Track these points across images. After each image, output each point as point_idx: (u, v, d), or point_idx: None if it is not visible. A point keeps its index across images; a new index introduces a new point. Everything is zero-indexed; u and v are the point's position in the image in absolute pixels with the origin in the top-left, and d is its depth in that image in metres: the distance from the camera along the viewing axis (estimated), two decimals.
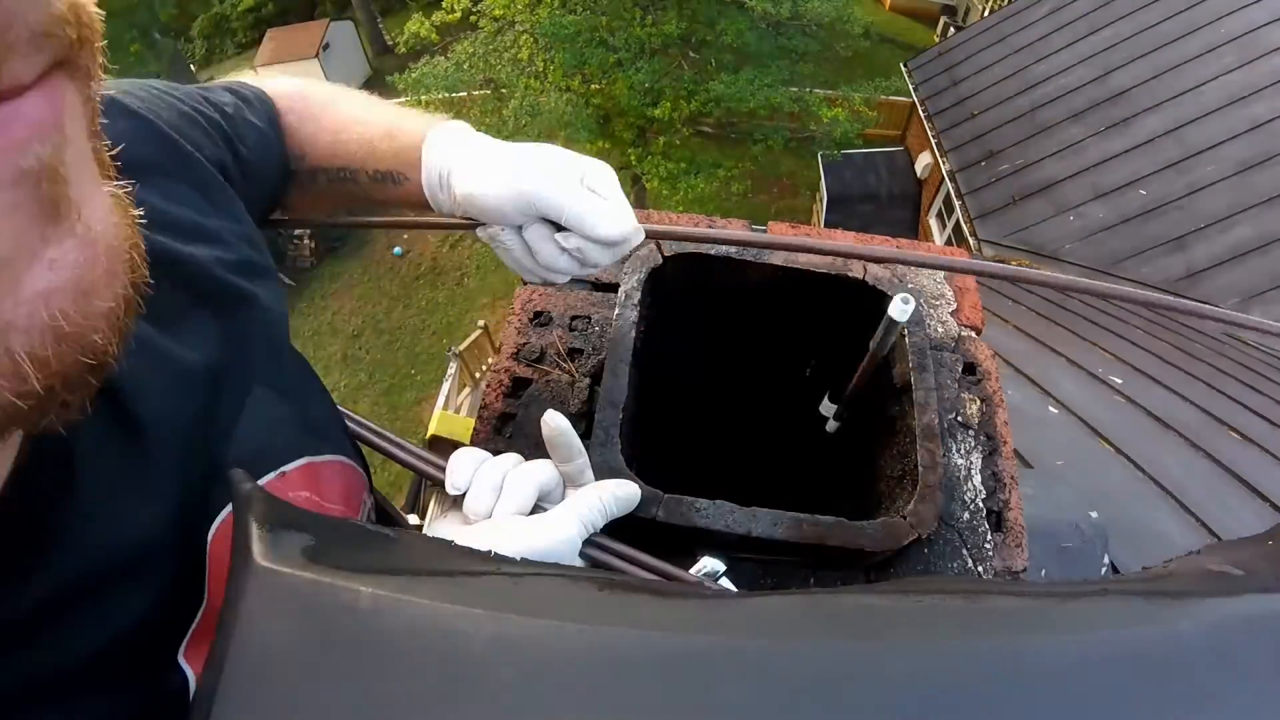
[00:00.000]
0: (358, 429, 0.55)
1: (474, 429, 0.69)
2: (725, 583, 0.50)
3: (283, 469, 0.42)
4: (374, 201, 0.63)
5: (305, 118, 0.62)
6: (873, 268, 0.70)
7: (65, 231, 0.18)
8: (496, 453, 0.53)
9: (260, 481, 0.39)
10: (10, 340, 0.17)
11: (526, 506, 0.49)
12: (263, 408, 0.42)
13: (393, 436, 0.55)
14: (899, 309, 0.56)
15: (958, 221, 5.44)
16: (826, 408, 0.59)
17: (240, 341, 0.41)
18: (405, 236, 9.14)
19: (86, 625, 0.28)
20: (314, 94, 0.64)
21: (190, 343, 0.37)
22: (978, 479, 0.65)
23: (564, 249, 0.52)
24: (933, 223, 6.75)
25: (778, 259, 0.71)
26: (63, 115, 0.18)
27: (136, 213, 0.22)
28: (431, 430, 5.46)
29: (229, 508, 0.36)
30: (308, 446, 0.45)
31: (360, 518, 0.50)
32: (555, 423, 0.50)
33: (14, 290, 0.17)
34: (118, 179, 0.21)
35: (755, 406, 0.93)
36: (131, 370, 0.29)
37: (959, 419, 0.69)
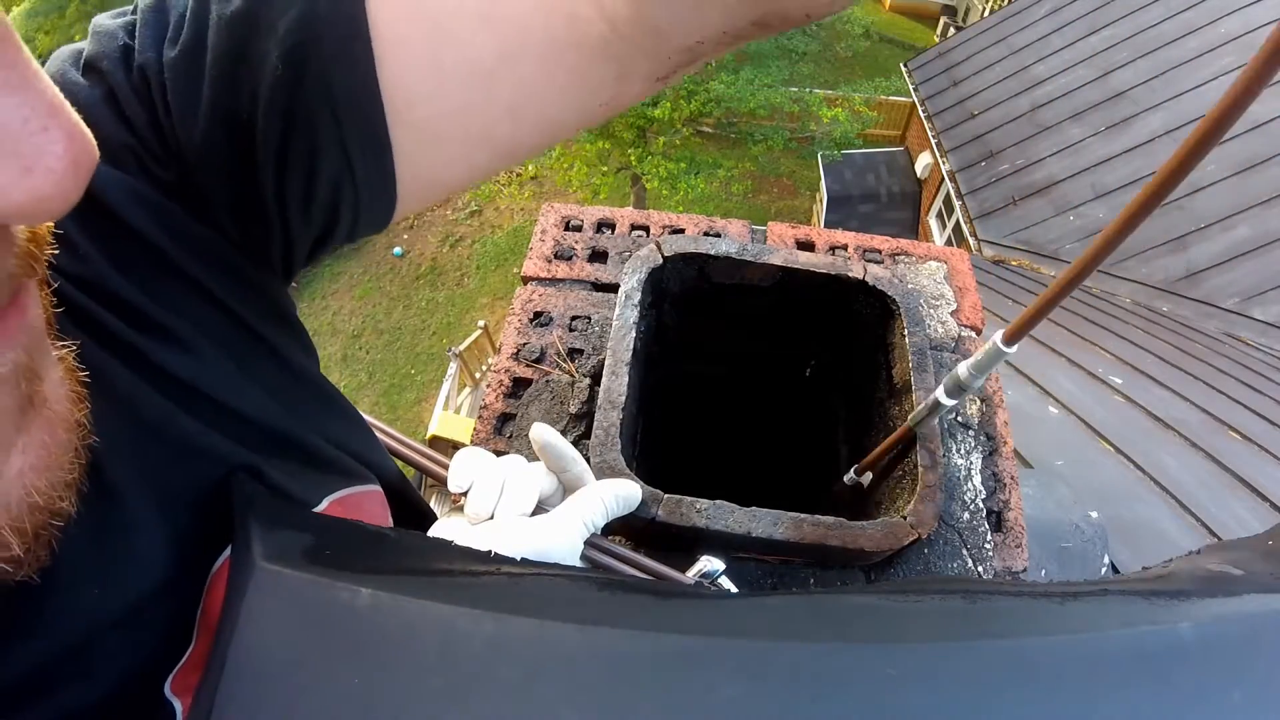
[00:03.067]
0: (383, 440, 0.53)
1: (474, 429, 0.69)
2: (725, 582, 0.50)
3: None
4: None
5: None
6: (873, 267, 0.70)
7: (34, 417, 0.21)
8: (498, 453, 0.53)
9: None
10: None
11: (528, 508, 0.49)
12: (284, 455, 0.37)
13: (397, 434, 0.55)
14: (944, 398, 0.53)
15: (958, 221, 5.44)
16: (850, 478, 0.60)
17: None
18: (405, 236, 9.15)
19: (72, 689, 0.27)
20: None
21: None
22: (978, 479, 0.65)
23: None
24: (933, 223, 6.75)
25: (777, 259, 0.71)
26: (33, 319, 0.20)
27: (81, 372, 0.23)
28: (432, 430, 5.46)
29: (227, 551, 0.33)
30: (332, 485, 0.41)
31: None
32: (542, 437, 0.50)
33: None
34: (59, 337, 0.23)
35: (755, 406, 0.93)
36: (103, 433, 0.27)
37: (959, 419, 0.69)
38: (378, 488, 0.47)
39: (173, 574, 0.31)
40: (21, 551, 0.21)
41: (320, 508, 0.39)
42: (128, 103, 0.31)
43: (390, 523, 0.48)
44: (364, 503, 0.45)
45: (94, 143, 0.17)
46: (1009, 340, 0.43)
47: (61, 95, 0.17)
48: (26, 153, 0.16)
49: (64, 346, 0.23)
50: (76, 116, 0.17)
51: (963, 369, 0.48)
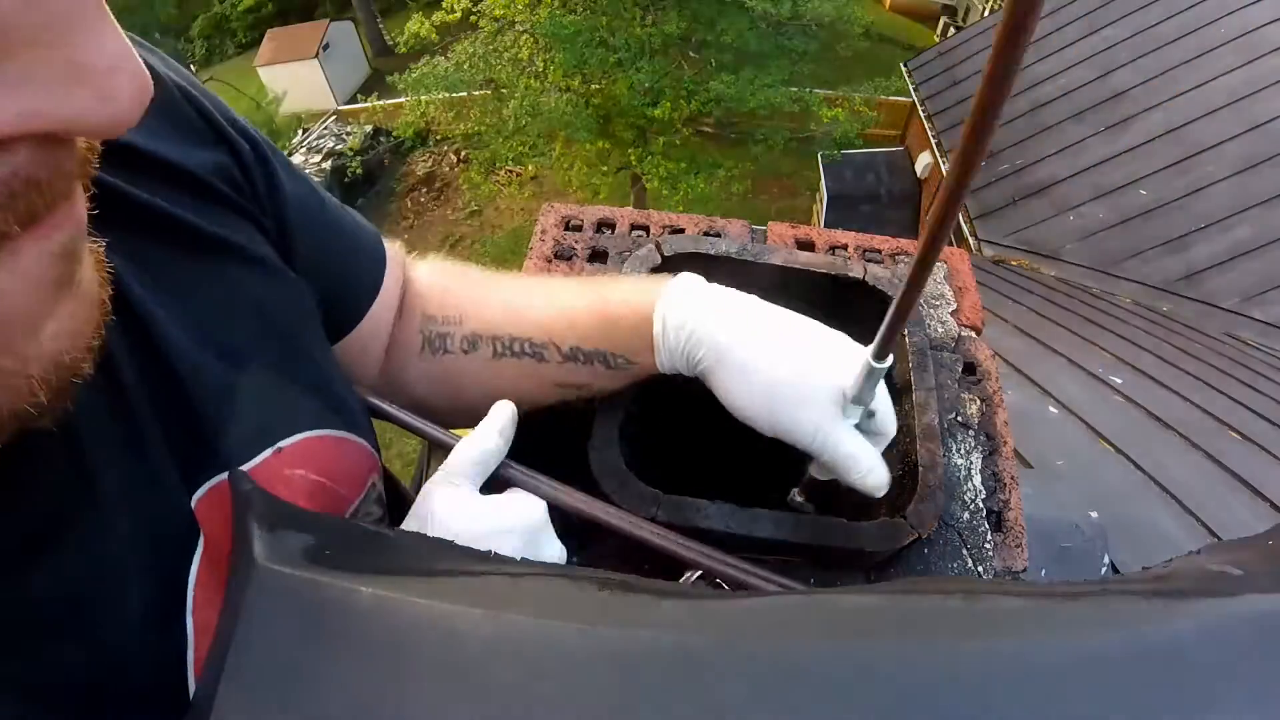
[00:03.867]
0: (370, 402, 0.53)
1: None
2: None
3: (279, 444, 0.41)
4: (553, 386, 0.54)
5: (465, 281, 0.56)
6: (873, 267, 0.70)
7: (70, 292, 0.25)
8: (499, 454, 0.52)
9: (260, 456, 0.39)
10: (29, 368, 0.24)
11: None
12: (256, 380, 0.40)
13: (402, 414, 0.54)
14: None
15: (958, 221, 5.44)
16: (795, 500, 0.58)
17: (228, 308, 0.40)
18: (406, 236, 9.14)
19: (87, 530, 0.31)
20: (467, 267, 0.58)
21: (175, 304, 0.37)
22: (978, 479, 0.65)
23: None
24: None
25: (777, 259, 0.71)
26: (80, 213, 0.25)
27: (108, 264, 0.29)
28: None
29: (221, 476, 0.37)
30: (305, 421, 0.43)
31: (363, 496, 0.48)
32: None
33: (36, 336, 0.24)
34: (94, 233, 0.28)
35: None
36: (118, 337, 0.33)
37: (959, 419, 0.69)
38: (357, 438, 0.48)
39: (162, 483, 0.35)
40: (46, 400, 0.25)
41: (290, 441, 0.42)
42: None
43: (374, 476, 0.50)
44: (344, 449, 0.46)
45: (151, 81, 0.22)
46: (879, 357, 0.44)
47: (129, 43, 0.22)
48: (105, 85, 0.21)
49: (95, 241, 0.27)
50: (140, 61, 0.22)
51: (850, 392, 0.47)
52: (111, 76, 0.21)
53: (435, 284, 0.57)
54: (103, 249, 0.28)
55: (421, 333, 0.57)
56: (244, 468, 0.38)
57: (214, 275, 0.39)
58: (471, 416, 0.51)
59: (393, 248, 0.56)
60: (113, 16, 0.21)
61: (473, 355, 0.55)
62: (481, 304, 0.55)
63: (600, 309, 0.52)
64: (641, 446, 0.67)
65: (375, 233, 0.56)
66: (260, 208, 0.44)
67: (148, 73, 0.22)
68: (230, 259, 0.41)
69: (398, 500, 0.58)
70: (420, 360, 0.57)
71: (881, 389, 0.48)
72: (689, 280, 0.52)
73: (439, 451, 0.51)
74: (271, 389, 0.42)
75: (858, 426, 0.49)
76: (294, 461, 0.42)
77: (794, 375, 0.48)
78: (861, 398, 0.47)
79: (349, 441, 0.47)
